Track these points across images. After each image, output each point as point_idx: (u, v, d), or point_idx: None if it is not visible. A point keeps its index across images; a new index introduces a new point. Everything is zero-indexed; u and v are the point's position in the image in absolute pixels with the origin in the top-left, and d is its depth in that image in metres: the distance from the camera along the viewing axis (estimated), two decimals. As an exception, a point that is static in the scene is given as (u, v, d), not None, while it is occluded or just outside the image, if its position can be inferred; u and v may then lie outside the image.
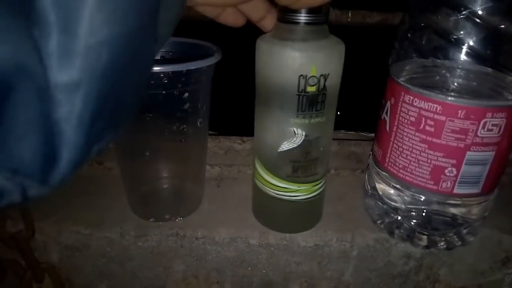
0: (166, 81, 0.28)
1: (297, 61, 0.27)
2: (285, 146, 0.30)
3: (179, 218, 0.36)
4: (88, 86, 0.14)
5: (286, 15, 0.27)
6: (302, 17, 0.26)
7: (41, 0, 0.12)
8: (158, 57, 0.36)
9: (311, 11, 0.26)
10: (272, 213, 0.35)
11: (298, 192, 0.32)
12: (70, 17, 0.13)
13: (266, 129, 0.31)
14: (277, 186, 0.32)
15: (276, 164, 0.31)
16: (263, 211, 0.36)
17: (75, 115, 0.14)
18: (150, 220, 0.36)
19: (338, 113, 0.31)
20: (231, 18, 0.28)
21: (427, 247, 0.35)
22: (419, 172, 0.31)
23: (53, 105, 0.13)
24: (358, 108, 0.27)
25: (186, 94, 0.30)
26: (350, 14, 0.40)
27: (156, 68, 0.27)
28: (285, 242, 0.36)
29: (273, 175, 0.32)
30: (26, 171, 0.14)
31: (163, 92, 0.29)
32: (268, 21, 0.29)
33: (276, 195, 0.33)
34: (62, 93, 0.13)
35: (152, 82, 0.28)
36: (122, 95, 0.16)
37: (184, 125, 0.32)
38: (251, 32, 0.30)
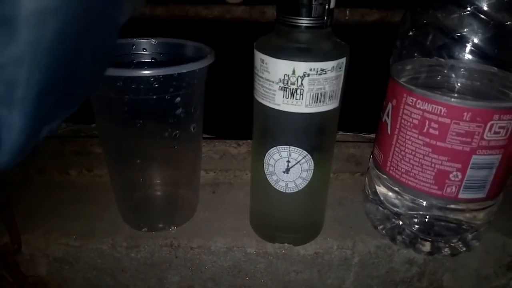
0: (156, 85, 0.27)
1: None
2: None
3: (173, 228, 0.35)
4: (33, 61, 0.12)
5: (286, 18, 0.25)
6: (303, 21, 0.25)
7: None
8: (148, 60, 0.34)
9: (312, 14, 0.25)
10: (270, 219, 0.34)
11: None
12: None
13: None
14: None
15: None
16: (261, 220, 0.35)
17: (17, 96, 0.12)
18: (143, 230, 0.34)
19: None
20: None
21: (430, 253, 0.33)
22: (423, 177, 0.30)
23: None
24: (356, 108, 0.26)
25: (178, 99, 0.28)
26: (348, 12, 0.38)
27: (146, 72, 0.25)
28: (283, 251, 0.34)
29: None
30: None
31: (154, 97, 0.27)
32: None
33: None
34: None
35: (142, 86, 0.27)
36: (77, 70, 0.15)
37: (177, 131, 0.30)
38: (245, 32, 0.28)
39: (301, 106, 0.27)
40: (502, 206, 0.33)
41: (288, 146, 0.29)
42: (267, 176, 0.30)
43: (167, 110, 0.29)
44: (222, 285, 0.37)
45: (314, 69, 0.25)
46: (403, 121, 0.30)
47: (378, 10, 0.39)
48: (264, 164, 0.30)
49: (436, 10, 0.29)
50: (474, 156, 0.28)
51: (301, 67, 0.25)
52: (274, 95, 0.27)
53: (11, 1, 0.11)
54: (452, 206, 0.31)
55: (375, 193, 0.35)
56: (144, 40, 0.33)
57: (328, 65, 0.25)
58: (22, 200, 0.38)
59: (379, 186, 0.35)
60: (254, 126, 0.31)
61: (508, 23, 0.27)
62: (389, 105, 0.31)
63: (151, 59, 0.34)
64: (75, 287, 0.37)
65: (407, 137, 0.30)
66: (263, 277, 0.36)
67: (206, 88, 0.32)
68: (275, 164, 0.30)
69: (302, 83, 0.26)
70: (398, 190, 0.32)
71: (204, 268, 0.36)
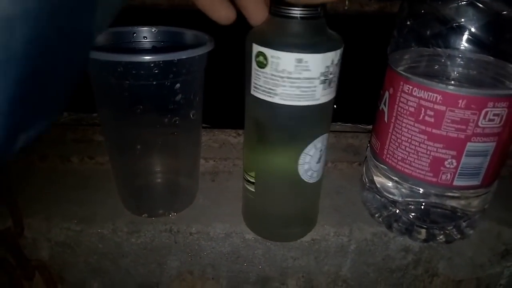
0: (156, 71, 0.27)
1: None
2: None
3: (172, 214, 0.35)
4: (1, 69, 0.12)
5: (280, 8, 0.25)
6: (298, 11, 0.24)
7: None
8: (149, 47, 0.35)
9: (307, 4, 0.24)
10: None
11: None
12: None
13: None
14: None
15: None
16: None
17: None
18: (143, 215, 0.35)
19: (335, 106, 0.30)
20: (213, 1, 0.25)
21: (425, 240, 0.34)
22: (418, 164, 0.30)
23: None
24: (355, 100, 0.26)
25: (178, 85, 0.29)
26: (347, 2, 0.39)
27: (147, 58, 0.26)
28: (281, 237, 0.35)
29: None
30: None
31: (154, 82, 0.28)
32: (252, 2, 0.26)
33: None
34: None
35: (142, 72, 0.27)
36: (52, 77, 0.14)
37: (177, 117, 0.30)
38: (245, 22, 0.28)
39: (332, 92, 0.27)
40: (497, 196, 0.34)
41: (322, 135, 0.29)
42: (298, 167, 0.29)
43: (167, 96, 0.29)
44: (221, 271, 0.37)
45: (340, 54, 0.26)
46: (399, 109, 0.30)
47: (377, 1, 0.39)
48: (300, 158, 0.29)
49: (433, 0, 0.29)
50: (469, 144, 0.28)
51: (338, 54, 0.26)
52: (315, 91, 0.26)
53: None
54: (447, 193, 0.31)
55: (372, 181, 0.36)
56: (145, 28, 0.34)
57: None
58: (25, 186, 0.39)
59: (376, 174, 0.35)
60: (270, 131, 0.29)
61: (505, 12, 0.27)
62: (386, 94, 0.32)
63: (152, 47, 0.34)
64: (76, 271, 0.37)
65: (403, 125, 0.30)
66: (261, 263, 0.37)
67: (205, 77, 0.32)
68: (312, 155, 0.29)
69: (336, 70, 0.26)
70: (394, 178, 0.33)
71: (203, 253, 0.36)
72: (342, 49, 0.26)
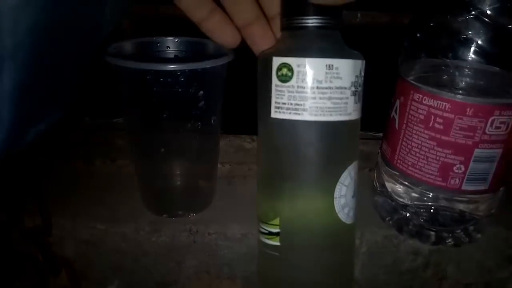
0: (182, 79, 0.29)
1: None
2: None
3: (191, 214, 0.37)
4: (7, 55, 0.12)
5: (301, 19, 0.24)
6: (319, 20, 0.23)
7: None
8: (172, 56, 0.37)
9: (321, 12, 0.23)
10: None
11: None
12: None
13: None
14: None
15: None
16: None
17: (2, 90, 0.12)
18: (164, 216, 0.37)
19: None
20: (218, 25, 0.24)
21: (435, 243, 0.35)
22: (428, 169, 0.32)
23: None
24: (367, 108, 0.28)
25: (201, 92, 0.31)
26: (359, 15, 0.40)
27: (175, 66, 0.28)
28: (295, 238, 0.36)
29: None
30: None
31: (179, 90, 0.30)
32: (257, 29, 0.25)
33: None
34: None
35: (169, 80, 0.29)
36: (58, 67, 0.14)
37: (199, 123, 0.32)
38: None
39: (360, 109, 0.25)
40: (505, 201, 0.35)
41: (354, 162, 0.26)
42: (335, 202, 0.25)
43: (191, 102, 0.31)
44: (237, 270, 0.39)
45: (364, 66, 0.25)
46: (410, 116, 0.32)
47: (388, 14, 0.41)
48: (336, 189, 0.25)
49: (442, 13, 0.31)
50: (476, 150, 0.30)
51: (363, 65, 0.24)
52: (346, 103, 0.24)
53: None
54: (456, 197, 0.32)
55: (383, 186, 0.37)
56: (168, 38, 0.36)
57: None
58: (51, 187, 0.41)
59: (387, 179, 0.36)
60: (299, 159, 0.25)
61: (510, 26, 0.29)
62: (397, 102, 0.33)
63: (174, 56, 0.36)
64: (99, 269, 0.39)
65: (414, 131, 0.32)
66: (275, 264, 0.38)
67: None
68: (347, 186, 0.26)
69: (362, 83, 0.24)
70: (405, 182, 0.34)
71: (220, 253, 0.38)
72: (364, 62, 0.25)
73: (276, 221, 0.26)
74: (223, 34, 0.26)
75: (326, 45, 0.24)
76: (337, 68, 0.23)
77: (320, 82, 0.23)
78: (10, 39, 0.12)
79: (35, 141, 0.15)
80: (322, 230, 0.26)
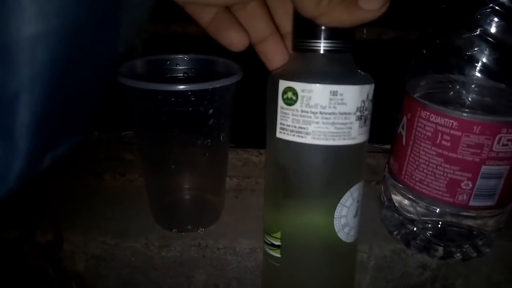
0: (193, 98, 0.30)
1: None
2: None
3: (200, 229, 0.38)
4: (27, 88, 0.12)
5: (310, 42, 0.23)
6: (329, 44, 0.23)
7: None
8: (181, 74, 0.37)
9: (330, 36, 0.23)
10: None
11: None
12: None
13: None
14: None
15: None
16: None
17: (14, 123, 0.12)
18: (173, 230, 0.37)
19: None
20: (227, 29, 0.23)
21: (443, 258, 0.35)
22: (436, 185, 0.32)
23: None
24: (373, 121, 0.28)
25: (211, 111, 0.31)
26: (365, 30, 0.41)
27: (186, 87, 0.28)
28: (304, 253, 0.37)
29: None
30: None
31: (190, 109, 0.30)
32: (271, 46, 0.25)
33: None
34: None
35: (180, 99, 0.30)
36: (76, 96, 0.14)
37: (208, 140, 0.33)
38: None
39: (367, 132, 0.25)
40: (512, 216, 0.35)
41: (358, 183, 0.26)
42: (334, 222, 0.26)
43: (201, 120, 0.32)
44: (246, 285, 0.39)
45: (373, 90, 0.25)
46: (417, 133, 0.32)
47: (393, 30, 0.41)
48: (336, 210, 0.26)
49: (447, 31, 0.31)
50: (483, 167, 0.30)
51: (372, 89, 0.24)
52: (350, 128, 0.24)
53: (0, 28, 0.11)
54: (464, 213, 0.33)
55: (390, 200, 0.37)
56: (178, 56, 0.37)
57: None
58: (62, 202, 0.41)
59: (395, 193, 0.37)
60: (301, 180, 0.26)
61: (515, 44, 0.29)
62: (404, 118, 0.34)
63: (183, 74, 0.37)
64: (109, 283, 0.39)
65: (421, 148, 0.32)
66: (283, 278, 0.39)
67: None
68: (349, 207, 0.26)
69: (370, 107, 0.24)
70: (412, 197, 0.34)
71: (229, 267, 0.38)
72: (374, 85, 0.25)
73: (278, 234, 0.27)
74: (228, 34, 0.24)
75: (334, 69, 0.24)
76: (341, 94, 0.23)
77: (324, 107, 0.23)
78: (27, 71, 0.12)
79: (52, 166, 0.15)
80: (320, 247, 0.27)
